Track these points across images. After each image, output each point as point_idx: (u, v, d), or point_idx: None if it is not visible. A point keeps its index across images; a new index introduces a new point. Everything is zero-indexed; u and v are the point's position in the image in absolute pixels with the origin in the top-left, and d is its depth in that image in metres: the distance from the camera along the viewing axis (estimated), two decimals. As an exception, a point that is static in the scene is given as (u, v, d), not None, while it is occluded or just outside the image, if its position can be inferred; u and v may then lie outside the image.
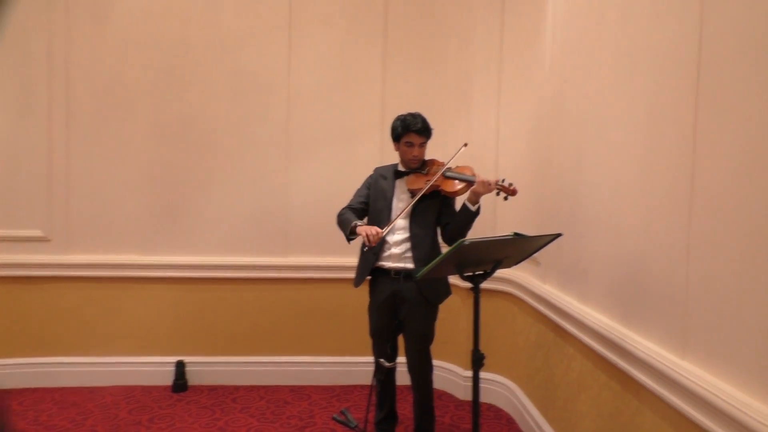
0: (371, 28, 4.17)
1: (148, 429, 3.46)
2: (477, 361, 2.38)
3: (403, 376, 3.31)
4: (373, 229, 2.85)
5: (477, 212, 2.88)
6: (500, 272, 3.75)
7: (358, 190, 3.22)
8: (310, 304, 4.24)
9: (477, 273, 2.37)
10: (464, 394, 4.04)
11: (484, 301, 3.92)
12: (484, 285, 3.84)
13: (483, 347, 4.15)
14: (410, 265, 3.00)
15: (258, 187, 4.19)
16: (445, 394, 4.10)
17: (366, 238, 2.84)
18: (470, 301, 4.02)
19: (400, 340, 3.15)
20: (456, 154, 2.95)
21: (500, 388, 3.92)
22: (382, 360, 2.78)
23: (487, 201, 3.85)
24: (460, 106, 4.06)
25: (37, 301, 4.11)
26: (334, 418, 2.28)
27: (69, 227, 4.12)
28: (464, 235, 2.92)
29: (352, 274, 3.23)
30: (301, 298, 4.24)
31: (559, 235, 2.35)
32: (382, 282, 3.08)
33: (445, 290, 3.15)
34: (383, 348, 3.05)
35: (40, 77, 4.04)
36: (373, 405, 3.34)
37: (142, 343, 4.19)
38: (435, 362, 3.94)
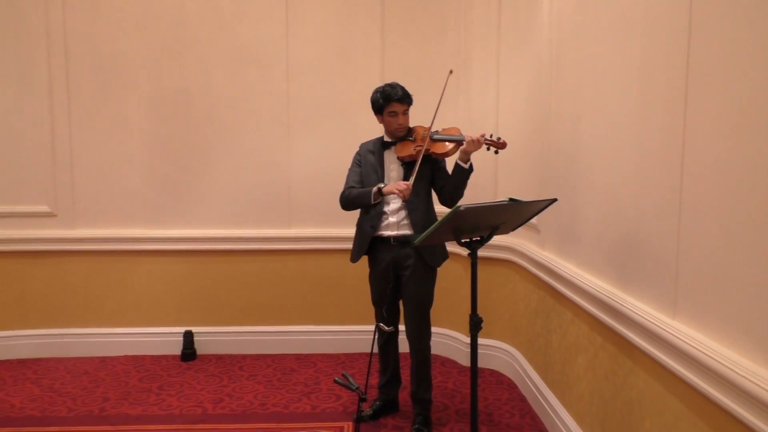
0: (369, 0, 4.15)
1: (158, 395, 3.57)
2: (475, 326, 2.44)
3: (405, 343, 3.38)
4: (402, 184, 2.92)
5: (470, 169, 2.92)
6: (501, 240, 3.84)
7: (351, 170, 3.25)
8: (314, 275, 4.31)
9: (474, 239, 2.40)
10: (467, 360, 4.11)
11: (486, 269, 4.01)
12: (486, 253, 3.95)
13: (485, 314, 4.21)
14: (408, 232, 3.06)
15: (260, 159, 4.22)
16: (448, 361, 4.18)
17: (400, 193, 2.91)
18: (472, 269, 4.07)
19: (400, 307, 3.21)
20: (444, 86, 2.96)
21: (502, 354, 3.99)
22: (381, 324, 2.84)
23: (487, 167, 3.89)
24: (460, 76, 4.06)
25: (46, 275, 4.20)
26: (335, 381, 2.34)
27: (74, 202, 4.18)
28: (461, 195, 2.97)
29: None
30: (305, 269, 4.31)
31: (554, 200, 2.38)
32: (382, 251, 3.13)
33: (443, 253, 3.20)
34: (385, 315, 3.11)
35: (39, 55, 4.06)
36: (375, 370, 3.42)
37: (151, 314, 4.28)
38: (438, 329, 4.02)
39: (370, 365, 2.58)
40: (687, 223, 1.86)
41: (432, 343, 3.25)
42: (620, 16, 2.33)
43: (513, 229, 2.56)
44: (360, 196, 3.09)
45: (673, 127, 1.92)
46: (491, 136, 2.83)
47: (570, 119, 2.90)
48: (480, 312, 4.10)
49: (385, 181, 3.13)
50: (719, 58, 1.69)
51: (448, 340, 4.22)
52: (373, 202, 3.05)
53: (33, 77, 4.08)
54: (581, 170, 2.76)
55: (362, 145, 3.30)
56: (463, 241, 2.39)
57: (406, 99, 3.09)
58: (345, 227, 4.08)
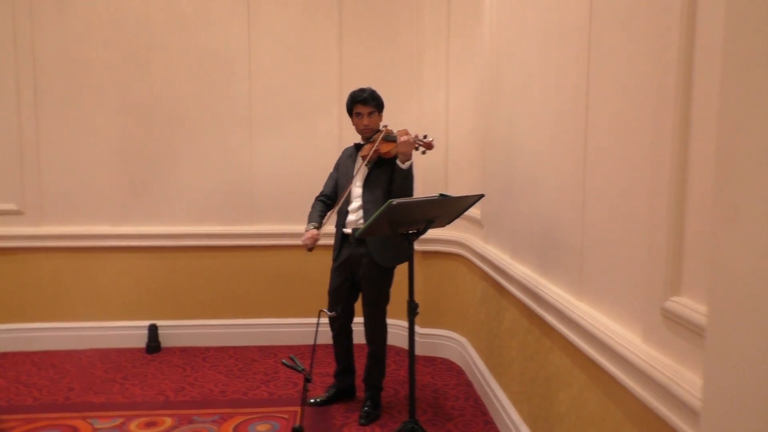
0: (327, 7, 4.36)
1: (122, 385, 3.73)
2: (412, 311, 2.65)
3: (360, 334, 3.58)
4: (306, 234, 3.26)
5: (408, 169, 3.11)
6: (452, 235, 4.08)
7: (329, 174, 3.51)
8: (276, 269, 4.49)
9: (411, 231, 2.62)
10: (421, 350, 4.33)
11: (438, 264, 4.25)
12: (438, 248, 4.19)
13: (437, 306, 4.46)
14: None
15: (223, 160, 4.40)
16: (402, 350, 4.39)
17: (306, 246, 3.24)
18: (426, 263, 4.31)
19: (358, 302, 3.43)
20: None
21: (452, 343, 4.23)
22: (324, 310, 2.99)
23: (439, 167, 4.12)
24: (413, 81, 4.29)
25: (14, 271, 4.33)
26: (283, 363, 2.53)
27: (42, 201, 4.31)
28: (409, 193, 3.17)
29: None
30: (267, 264, 4.49)
31: (481, 195, 2.61)
32: (344, 246, 3.34)
33: (397, 255, 3.31)
34: (336, 306, 3.31)
35: (6, 59, 4.19)
36: (328, 357, 3.61)
37: (117, 308, 4.42)
38: (393, 321, 4.21)
39: (314, 349, 2.78)
40: (589, 215, 2.10)
41: (389, 334, 3.47)
42: (541, 31, 2.57)
43: (448, 223, 2.78)
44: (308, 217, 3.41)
45: (578, 129, 2.16)
46: (424, 137, 3.05)
47: (506, 121, 3.14)
48: (432, 304, 4.36)
49: (353, 180, 3.30)
50: (608, 69, 1.93)
51: (402, 330, 4.42)
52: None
53: (1, 83, 4.20)
54: (515, 168, 3.00)
55: (344, 150, 3.55)
56: (400, 233, 2.60)
57: (370, 102, 3.27)
58: (306, 224, 4.27)
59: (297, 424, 2.51)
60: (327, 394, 3.51)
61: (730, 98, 0.87)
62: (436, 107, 4.17)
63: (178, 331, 4.46)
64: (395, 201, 2.34)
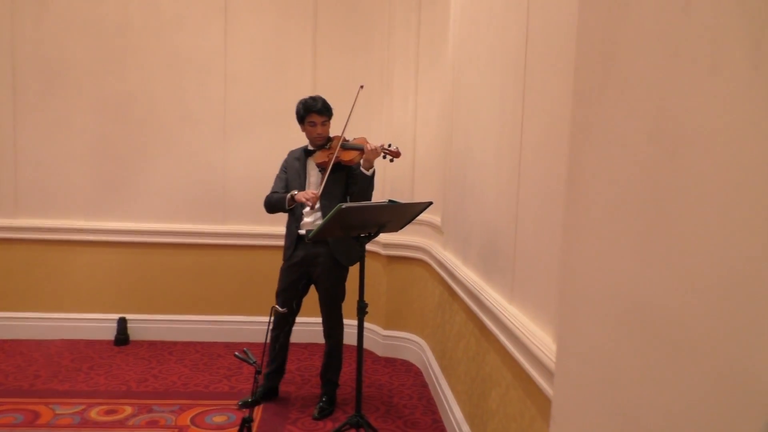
0: (302, 15, 4.51)
1: (87, 374, 3.84)
2: (361, 310, 2.79)
3: (297, 335, 3.73)
4: (309, 193, 3.27)
5: (372, 176, 3.28)
6: (416, 242, 4.23)
7: (277, 176, 3.60)
8: (246, 269, 4.62)
9: (362, 235, 2.76)
10: (383, 350, 4.48)
11: (403, 268, 4.39)
12: (403, 253, 4.34)
13: (401, 310, 4.60)
14: None
15: (196, 160, 4.53)
16: (365, 351, 4.52)
17: (307, 201, 3.26)
18: (391, 268, 4.45)
19: (305, 301, 3.56)
20: (355, 99, 3.32)
21: (413, 345, 4.37)
22: (276, 306, 3.08)
23: (405, 175, 4.27)
24: (383, 91, 4.45)
25: (-13, 261, 4.43)
26: (235, 355, 2.66)
27: (16, 193, 4.42)
28: (368, 198, 3.32)
29: (283, 242, 3.59)
30: (237, 263, 4.62)
31: (430, 203, 2.76)
32: (299, 247, 3.46)
33: (356, 254, 3.49)
34: (290, 303, 3.42)
35: (-14, 55, 4.31)
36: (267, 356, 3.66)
37: (88, 301, 4.53)
38: (349, 321, 4.36)
39: (265, 346, 2.91)
40: (521, 224, 2.25)
41: (347, 334, 3.61)
42: (489, 53, 2.73)
43: (400, 228, 2.93)
44: (278, 201, 3.45)
45: (515, 144, 2.32)
46: (389, 146, 3.20)
47: (463, 133, 3.30)
48: (396, 307, 4.50)
49: (306, 185, 3.47)
50: (537, 91, 2.09)
51: (367, 332, 4.56)
52: (287, 207, 3.39)
53: (-22, 77, 4.33)
54: (467, 178, 3.15)
55: (290, 153, 3.65)
56: (353, 236, 2.75)
57: (324, 111, 3.43)
58: (276, 225, 4.40)
59: (248, 415, 2.63)
60: (255, 394, 3.56)
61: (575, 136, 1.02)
62: (405, 117, 4.33)
63: (146, 325, 4.57)
64: (344, 205, 2.48)
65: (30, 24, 4.35)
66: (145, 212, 4.54)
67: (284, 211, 3.46)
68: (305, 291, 3.53)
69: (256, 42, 4.51)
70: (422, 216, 4.05)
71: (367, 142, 3.26)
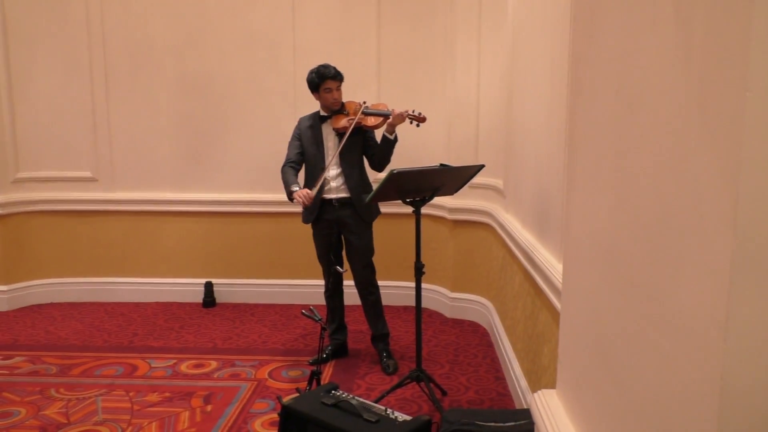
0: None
1: (178, 333, 4.22)
2: (418, 271, 2.93)
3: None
4: (304, 192, 3.41)
5: (395, 140, 3.42)
6: (481, 206, 4.31)
7: (291, 143, 3.71)
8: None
9: (417, 199, 2.87)
10: (451, 312, 4.61)
11: (469, 232, 4.49)
12: (469, 217, 4.41)
13: (469, 273, 4.69)
14: (346, 195, 3.56)
15: (270, 132, 4.76)
16: (434, 313, 4.68)
17: (302, 204, 3.41)
18: (457, 231, 4.55)
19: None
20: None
21: (480, 307, 4.47)
22: (337, 267, 3.30)
23: (470, 140, 4.32)
24: (446, 59, 4.48)
25: (89, 232, 4.91)
26: (302, 313, 2.87)
27: (113, 169, 4.85)
28: (388, 161, 3.48)
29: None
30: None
31: (482, 166, 2.83)
32: (326, 212, 3.61)
33: (376, 211, 3.69)
34: (339, 263, 3.62)
35: (80, 40, 4.70)
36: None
37: (178, 267, 4.93)
38: (427, 286, 4.52)
39: (328, 307, 3.10)
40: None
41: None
42: (541, 12, 2.73)
43: (454, 191, 3.02)
44: (284, 184, 3.58)
45: (562, 107, 2.33)
46: (413, 112, 3.28)
47: (520, 99, 3.31)
48: (463, 270, 4.62)
49: (325, 150, 3.60)
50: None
51: (433, 294, 4.71)
52: (288, 197, 3.54)
53: (76, 60, 4.73)
54: (525, 146, 3.18)
55: (301, 120, 3.76)
56: (407, 200, 2.86)
57: (338, 76, 3.56)
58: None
59: (316, 368, 2.83)
60: (326, 353, 3.77)
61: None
62: (467, 84, 4.35)
63: (231, 288, 4.92)
64: (396, 170, 2.59)
65: (117, 9, 4.69)
66: (226, 183, 4.85)
67: (312, 173, 3.63)
68: (341, 245, 3.72)
69: (321, 16, 4.65)
70: (486, 180, 4.13)
71: (390, 108, 3.36)
